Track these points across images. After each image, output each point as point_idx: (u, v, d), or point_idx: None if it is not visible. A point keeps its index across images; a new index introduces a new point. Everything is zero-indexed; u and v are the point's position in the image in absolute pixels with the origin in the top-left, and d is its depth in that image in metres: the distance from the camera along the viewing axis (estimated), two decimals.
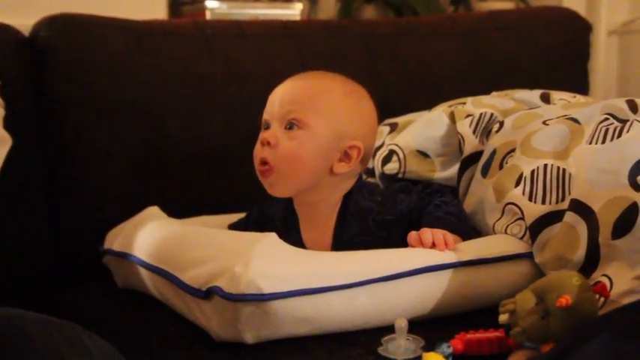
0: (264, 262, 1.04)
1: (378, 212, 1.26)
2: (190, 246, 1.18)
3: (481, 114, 1.43)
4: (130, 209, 1.40)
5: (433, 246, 1.15)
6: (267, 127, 1.26)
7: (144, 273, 1.24)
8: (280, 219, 1.33)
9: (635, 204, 1.08)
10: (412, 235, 1.18)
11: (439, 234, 1.16)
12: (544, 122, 1.32)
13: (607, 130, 1.20)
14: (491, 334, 1.02)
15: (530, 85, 1.63)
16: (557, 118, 1.31)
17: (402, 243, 1.19)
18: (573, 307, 0.91)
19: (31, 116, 1.49)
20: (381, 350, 1.01)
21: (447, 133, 1.47)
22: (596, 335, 0.77)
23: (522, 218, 1.23)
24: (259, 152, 1.25)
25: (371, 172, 1.54)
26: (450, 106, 1.52)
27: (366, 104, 1.30)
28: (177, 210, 1.43)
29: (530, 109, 1.43)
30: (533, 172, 1.25)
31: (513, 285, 1.14)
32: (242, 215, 1.43)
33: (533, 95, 1.53)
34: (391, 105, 1.68)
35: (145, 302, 1.27)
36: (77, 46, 1.51)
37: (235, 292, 1.01)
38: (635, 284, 1.04)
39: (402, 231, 1.22)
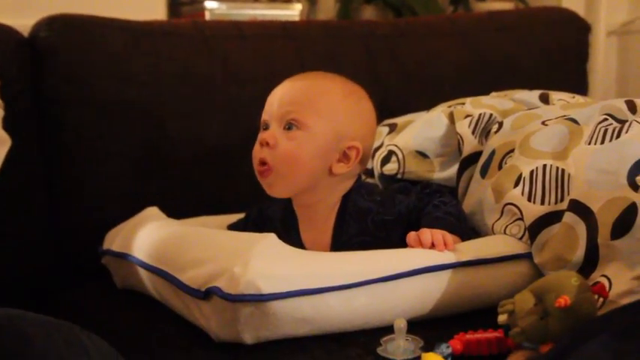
0: (263, 263, 1.04)
1: (377, 213, 1.26)
2: (189, 246, 1.18)
3: (480, 114, 1.43)
4: (129, 209, 1.40)
5: (432, 246, 1.15)
6: (266, 128, 1.26)
7: (143, 273, 1.24)
8: (279, 219, 1.33)
9: (634, 204, 1.08)
10: (411, 236, 1.18)
11: (438, 234, 1.16)
12: (543, 123, 1.32)
13: (606, 131, 1.20)
14: (491, 334, 1.02)
15: (530, 86, 1.63)
16: (556, 118, 1.31)
17: (401, 243, 1.19)
18: (572, 307, 0.91)
19: (30, 116, 1.49)
20: (380, 351, 1.01)
21: (446, 134, 1.47)
22: (595, 335, 0.77)
23: (521, 219, 1.23)
24: (258, 153, 1.25)
25: (370, 173, 1.54)
26: (449, 107, 1.52)
27: (365, 105, 1.30)
28: (177, 210, 1.43)
29: (530, 109, 1.43)
30: (532, 172, 1.25)
31: (512, 285, 1.14)
32: (241, 216, 1.43)
33: (533, 96, 1.53)
34: (391, 105, 1.69)
35: (144, 303, 1.27)
36: (77, 46, 1.51)
37: (234, 293, 1.02)
38: (634, 284, 1.04)
39: (401, 231, 1.22)
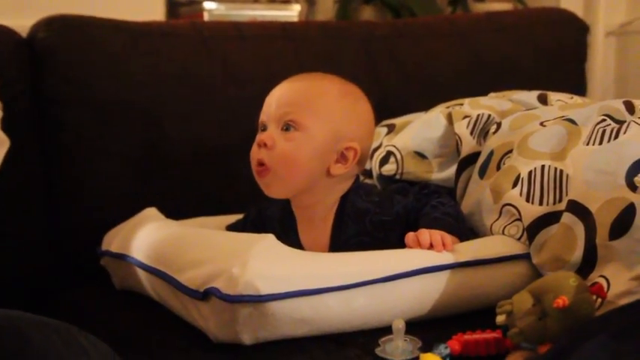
0: (262, 264, 1.04)
1: (375, 213, 1.26)
2: (188, 247, 1.18)
3: (478, 115, 1.44)
4: (129, 209, 1.40)
5: (431, 247, 1.15)
6: (264, 129, 1.26)
7: (142, 274, 1.24)
8: (278, 220, 1.33)
9: (632, 205, 1.08)
10: (410, 236, 1.18)
11: (437, 235, 1.16)
12: (541, 123, 1.32)
13: (604, 131, 1.20)
14: (489, 334, 1.02)
15: (528, 86, 1.63)
16: (555, 119, 1.31)
17: (400, 244, 1.19)
18: (570, 307, 0.91)
19: (30, 117, 1.49)
20: (378, 351, 1.02)
21: (445, 135, 1.47)
22: (594, 336, 0.78)
23: (520, 219, 1.23)
24: (256, 153, 1.25)
25: (368, 173, 1.54)
26: (448, 107, 1.52)
27: (362, 105, 1.30)
28: (177, 210, 1.44)
29: (528, 110, 1.43)
30: (530, 173, 1.25)
31: (511, 286, 1.14)
32: (240, 216, 1.43)
33: (531, 96, 1.53)
34: (390, 106, 1.69)
35: (143, 303, 1.27)
36: (75, 47, 1.51)
37: (233, 294, 1.02)
38: (632, 285, 1.04)
39: (400, 232, 1.22)
